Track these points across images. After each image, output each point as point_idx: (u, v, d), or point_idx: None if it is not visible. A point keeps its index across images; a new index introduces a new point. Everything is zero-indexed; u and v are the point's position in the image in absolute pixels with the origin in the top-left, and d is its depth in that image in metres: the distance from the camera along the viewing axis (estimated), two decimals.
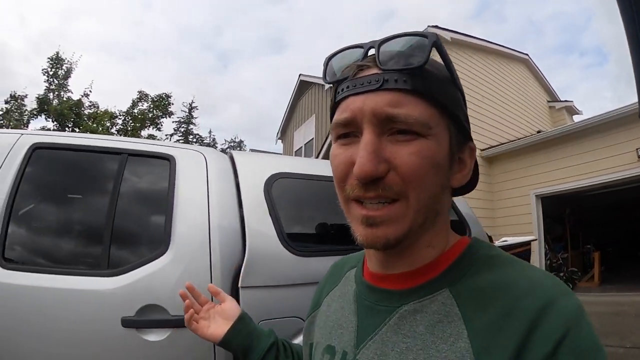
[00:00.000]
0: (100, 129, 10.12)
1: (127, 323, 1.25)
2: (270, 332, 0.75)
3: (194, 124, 24.77)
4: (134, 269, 1.34)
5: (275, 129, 14.47)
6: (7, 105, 11.48)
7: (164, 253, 1.37)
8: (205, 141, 25.07)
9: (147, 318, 1.26)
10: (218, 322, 0.75)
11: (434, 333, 0.40)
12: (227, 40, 70.76)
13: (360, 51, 0.43)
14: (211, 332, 0.74)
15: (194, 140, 24.11)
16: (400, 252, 0.46)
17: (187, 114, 24.07)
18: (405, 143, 0.40)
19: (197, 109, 24.51)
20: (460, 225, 2.32)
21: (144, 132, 11.64)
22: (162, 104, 11.77)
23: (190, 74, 56.18)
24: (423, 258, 0.46)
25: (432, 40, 0.40)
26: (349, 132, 0.43)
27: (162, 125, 12.12)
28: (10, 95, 11.49)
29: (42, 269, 1.36)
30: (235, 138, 31.50)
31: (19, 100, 11.49)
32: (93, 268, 1.40)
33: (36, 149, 1.52)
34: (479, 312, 0.39)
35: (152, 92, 12.96)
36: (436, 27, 7.37)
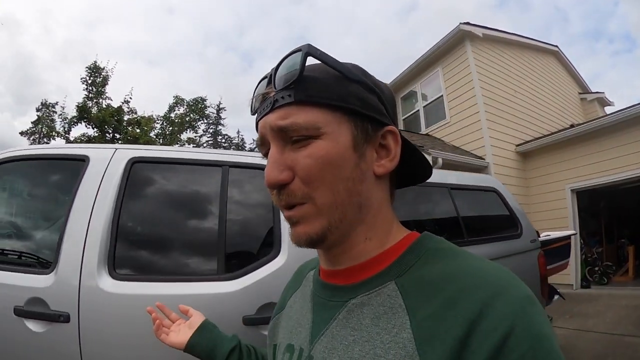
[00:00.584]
0: (143, 134, 10.41)
1: (248, 321, 1.35)
2: (233, 337, 0.80)
3: (222, 125, 25.02)
4: (252, 271, 1.43)
5: None
6: (39, 113, 11.83)
7: (278, 255, 1.48)
8: (234, 141, 25.21)
9: (267, 315, 1.28)
10: (183, 331, 0.81)
11: (379, 325, 0.41)
12: (250, 41, 71.47)
13: (266, 81, 0.48)
14: (176, 340, 0.80)
15: (223, 140, 24.40)
16: (339, 248, 0.47)
17: (215, 114, 24.38)
18: (302, 148, 0.43)
19: (224, 110, 24.78)
20: (510, 219, 2.53)
21: (183, 136, 11.88)
22: (197, 107, 12.03)
23: (215, 74, 56.75)
24: (365, 252, 0.47)
25: (304, 51, 0.43)
26: (267, 150, 0.47)
27: (199, 128, 12.42)
28: (42, 103, 11.86)
29: (161, 277, 1.41)
30: None
31: (49, 108, 11.84)
32: (212, 274, 1.44)
33: (135, 163, 1.57)
34: (423, 302, 0.39)
35: (178, 94, 13.01)
36: (467, 23, 7.40)
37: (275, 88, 0.45)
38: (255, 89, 0.50)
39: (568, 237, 3.60)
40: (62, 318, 1.26)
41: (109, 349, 1.27)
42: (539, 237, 2.86)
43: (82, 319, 1.27)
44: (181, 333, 0.81)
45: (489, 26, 7.75)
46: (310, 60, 0.44)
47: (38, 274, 1.36)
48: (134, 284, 1.35)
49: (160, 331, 0.83)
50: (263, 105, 0.46)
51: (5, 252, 1.55)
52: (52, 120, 11.70)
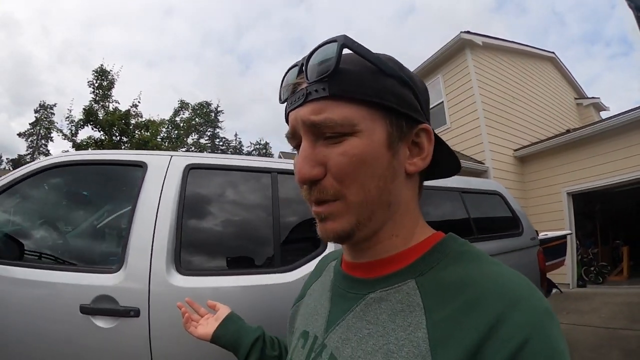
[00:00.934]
0: (152, 138, 10.49)
1: None
2: (258, 328, 0.81)
3: (220, 128, 24.74)
4: (304, 264, 1.61)
5: None
6: (37, 115, 11.83)
7: (325, 249, 1.66)
8: (231, 144, 25.03)
9: None
10: (210, 323, 0.84)
11: (395, 321, 0.41)
12: (248, 43, 72.06)
13: (297, 69, 0.46)
14: (203, 331, 0.83)
15: (221, 143, 24.24)
16: (365, 243, 0.47)
17: (213, 117, 24.47)
18: (336, 145, 0.42)
19: (222, 113, 24.54)
20: (513, 219, 2.79)
21: (189, 139, 11.95)
22: (203, 111, 12.10)
23: (213, 77, 57.07)
24: (390, 248, 0.47)
25: (340, 42, 0.40)
26: (298, 143, 0.46)
27: (204, 132, 12.47)
28: (40, 104, 11.85)
29: (225, 272, 1.53)
30: (260, 140, 30.92)
31: (48, 110, 11.83)
32: (269, 267, 1.61)
33: (191, 169, 1.70)
34: (441, 304, 0.39)
35: (182, 99, 13.05)
36: (468, 32, 7.65)
37: (307, 79, 0.43)
38: (284, 77, 0.48)
39: (564, 236, 3.85)
40: (132, 313, 1.33)
41: (178, 339, 1.32)
42: (538, 235, 3.12)
43: (152, 313, 1.35)
44: (208, 325, 0.84)
45: (488, 34, 8.02)
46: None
47: (105, 272, 1.42)
48: (202, 278, 1.46)
49: (189, 324, 0.86)
50: (294, 96, 0.44)
51: (67, 253, 1.63)
52: (51, 122, 11.66)
